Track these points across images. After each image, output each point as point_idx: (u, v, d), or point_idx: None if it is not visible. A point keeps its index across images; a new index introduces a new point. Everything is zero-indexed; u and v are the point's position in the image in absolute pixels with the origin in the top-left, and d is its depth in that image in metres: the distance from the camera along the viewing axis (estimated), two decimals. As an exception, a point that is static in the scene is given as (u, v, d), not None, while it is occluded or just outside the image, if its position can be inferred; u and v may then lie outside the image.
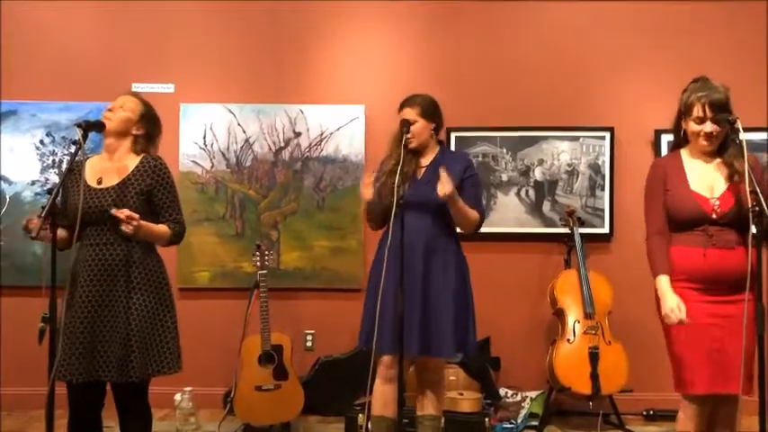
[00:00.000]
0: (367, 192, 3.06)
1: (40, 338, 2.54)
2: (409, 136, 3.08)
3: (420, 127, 3.14)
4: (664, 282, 2.70)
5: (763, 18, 4.59)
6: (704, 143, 2.73)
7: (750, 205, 2.52)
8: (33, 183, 4.61)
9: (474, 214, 3.12)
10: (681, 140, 2.84)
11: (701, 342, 2.66)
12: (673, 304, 2.64)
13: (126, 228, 2.62)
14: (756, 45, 4.59)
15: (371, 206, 3.13)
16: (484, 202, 4.55)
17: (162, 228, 2.81)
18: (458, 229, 3.18)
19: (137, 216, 2.65)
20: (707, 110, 2.68)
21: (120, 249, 2.72)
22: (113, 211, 2.64)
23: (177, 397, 4.18)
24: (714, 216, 2.69)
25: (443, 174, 2.93)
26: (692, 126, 2.74)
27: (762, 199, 2.49)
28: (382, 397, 3.09)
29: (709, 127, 2.69)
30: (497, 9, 4.71)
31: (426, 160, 3.17)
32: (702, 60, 4.46)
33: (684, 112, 2.77)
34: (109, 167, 2.81)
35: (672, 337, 2.73)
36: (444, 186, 2.93)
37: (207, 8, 4.72)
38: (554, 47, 4.68)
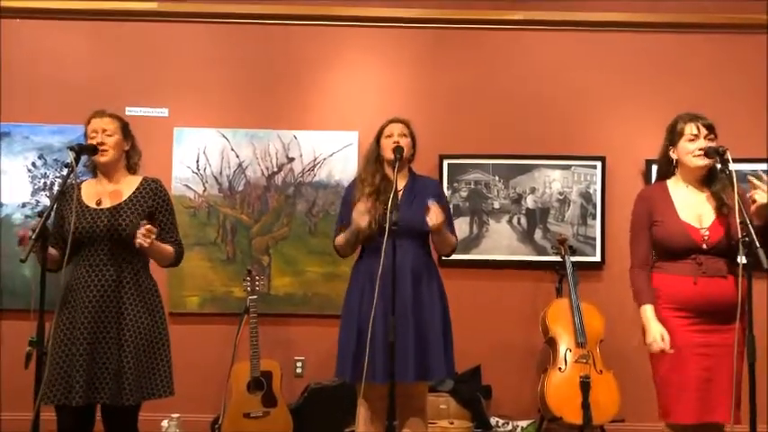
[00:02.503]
0: (363, 219, 2.97)
1: (27, 363, 2.51)
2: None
3: (409, 144, 3.17)
4: (648, 311, 2.76)
5: (753, 50, 4.66)
6: (698, 161, 2.75)
7: (740, 236, 2.54)
8: (24, 205, 4.59)
9: (453, 239, 3.17)
10: (670, 170, 2.87)
11: (688, 371, 2.66)
12: (656, 334, 2.70)
13: (143, 240, 2.61)
14: (746, 76, 4.65)
15: (356, 235, 3.05)
16: (475, 230, 4.59)
17: (168, 247, 2.84)
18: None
19: (155, 230, 2.66)
20: (701, 128, 2.76)
21: (115, 270, 2.71)
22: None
23: (164, 423, 4.13)
24: (704, 246, 2.71)
25: (434, 206, 2.95)
26: (686, 146, 2.77)
27: (752, 230, 2.52)
28: (367, 418, 3.07)
29: (703, 143, 2.74)
30: (491, 38, 4.76)
31: (400, 184, 3.17)
32: (694, 92, 4.54)
33: (675, 139, 2.81)
34: (108, 190, 2.82)
35: (658, 366, 2.74)
36: (435, 217, 2.94)
37: (202, 33, 4.75)
38: (547, 76, 4.73)
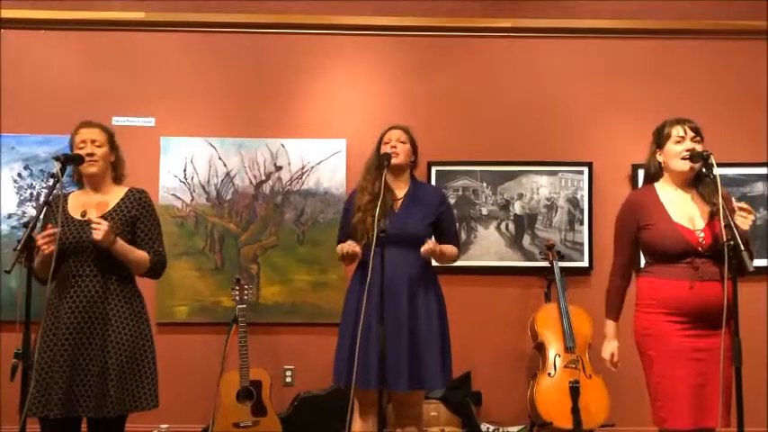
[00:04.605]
0: (356, 251, 3.03)
1: (12, 375, 2.49)
2: (396, 161, 3.10)
3: (407, 149, 3.17)
4: (610, 327, 2.94)
5: (739, 55, 4.71)
6: (685, 164, 2.76)
7: (725, 239, 2.55)
8: (10, 216, 4.56)
9: (453, 250, 3.17)
10: (657, 174, 2.88)
11: (683, 376, 2.66)
12: (607, 354, 2.93)
13: (96, 232, 2.59)
14: (731, 81, 4.70)
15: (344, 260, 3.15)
16: (464, 236, 4.59)
17: (141, 253, 2.80)
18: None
19: (107, 221, 2.64)
20: (687, 131, 2.79)
21: (99, 281, 2.69)
22: (87, 216, 2.63)
23: (153, 434, 4.11)
24: (700, 249, 2.71)
25: (428, 245, 2.97)
26: (673, 148, 2.79)
27: (736, 233, 2.53)
28: (360, 420, 3.08)
29: (689, 144, 2.76)
30: (478, 46, 4.78)
31: (401, 192, 3.19)
32: (680, 97, 4.57)
33: (662, 142, 2.83)
34: (94, 201, 2.81)
35: (651, 372, 2.74)
36: (425, 251, 2.97)
37: (188, 42, 4.75)
38: (534, 83, 4.75)
